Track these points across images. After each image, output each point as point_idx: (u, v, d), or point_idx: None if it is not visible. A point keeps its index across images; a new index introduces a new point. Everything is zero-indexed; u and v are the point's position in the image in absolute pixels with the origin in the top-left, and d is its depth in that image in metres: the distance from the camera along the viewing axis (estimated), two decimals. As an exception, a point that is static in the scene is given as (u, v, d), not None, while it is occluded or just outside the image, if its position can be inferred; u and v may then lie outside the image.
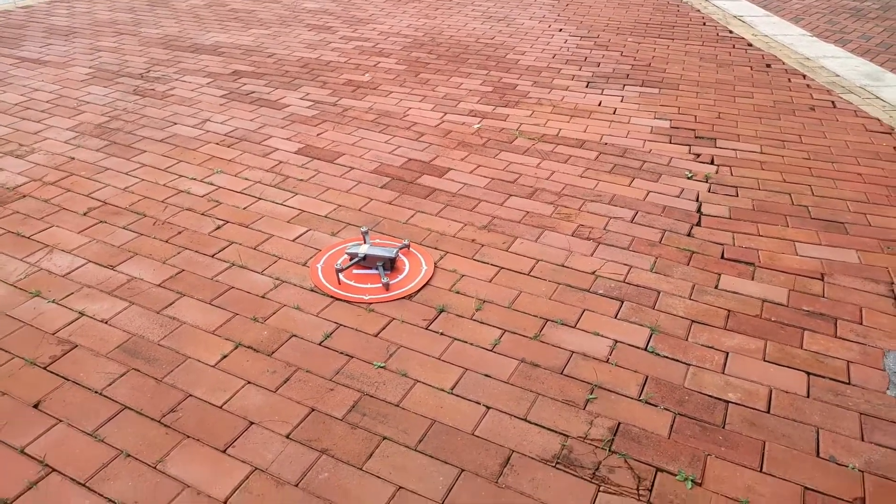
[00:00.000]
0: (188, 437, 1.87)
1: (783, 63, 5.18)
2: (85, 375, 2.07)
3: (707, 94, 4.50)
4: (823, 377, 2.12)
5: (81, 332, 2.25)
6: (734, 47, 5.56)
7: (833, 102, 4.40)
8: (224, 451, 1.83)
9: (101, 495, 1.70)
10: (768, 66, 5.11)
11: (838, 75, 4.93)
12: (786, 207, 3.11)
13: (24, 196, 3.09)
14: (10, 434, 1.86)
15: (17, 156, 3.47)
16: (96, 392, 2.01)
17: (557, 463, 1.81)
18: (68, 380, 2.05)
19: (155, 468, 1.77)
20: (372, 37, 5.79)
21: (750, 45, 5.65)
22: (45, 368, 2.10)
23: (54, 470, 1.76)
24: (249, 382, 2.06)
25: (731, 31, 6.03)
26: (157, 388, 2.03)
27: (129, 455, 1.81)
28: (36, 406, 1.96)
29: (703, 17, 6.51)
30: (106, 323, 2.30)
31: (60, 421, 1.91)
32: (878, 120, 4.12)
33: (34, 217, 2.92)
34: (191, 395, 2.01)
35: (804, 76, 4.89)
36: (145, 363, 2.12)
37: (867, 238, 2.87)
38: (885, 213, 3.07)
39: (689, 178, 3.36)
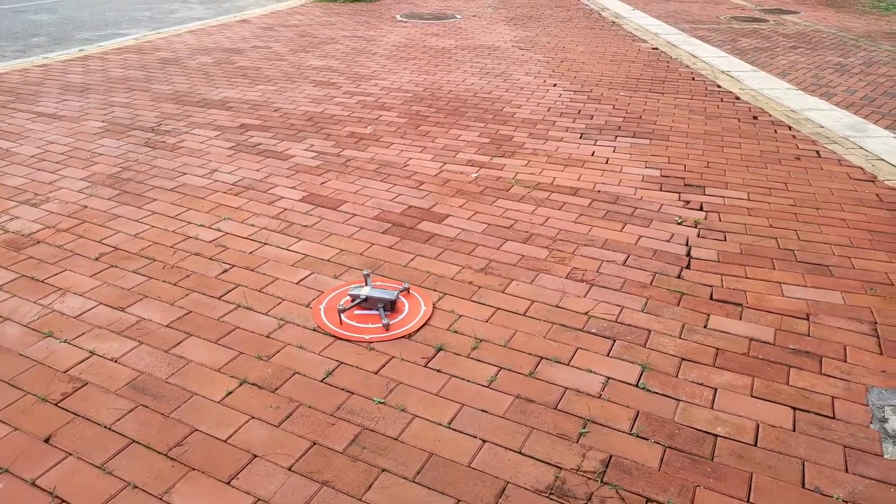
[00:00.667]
0: (194, 469, 1.93)
1: (770, 115, 5.39)
2: (94, 411, 2.15)
3: (696, 145, 4.67)
4: (809, 412, 2.19)
5: (91, 371, 2.33)
6: (722, 100, 5.79)
7: (818, 152, 4.57)
8: (228, 483, 1.89)
9: (109, 525, 1.75)
10: (755, 118, 5.31)
11: (823, 126, 5.12)
12: (772, 251, 3.22)
13: (39, 242, 3.21)
14: (22, 467, 1.93)
15: (33, 204, 3.61)
16: (105, 427, 2.08)
17: (551, 494, 1.87)
18: (78, 415, 2.13)
19: (161, 499, 1.83)
20: (374, 92, 6.03)
21: (738, 98, 5.88)
22: (56, 405, 2.17)
23: (64, 501, 1.82)
24: (253, 417, 2.13)
25: (719, 86, 6.28)
26: (165, 423, 2.10)
27: (136, 486, 1.87)
28: (47, 440, 2.03)
29: (692, 73, 6.78)
30: (115, 362, 2.38)
31: (70, 454, 1.98)
32: (862, 168, 4.28)
33: (48, 262, 3.03)
34: (197, 430, 2.08)
35: (790, 127, 5.09)
36: (153, 399, 2.20)
37: (851, 280, 2.97)
38: (869, 256, 3.18)
39: (678, 224, 3.49)
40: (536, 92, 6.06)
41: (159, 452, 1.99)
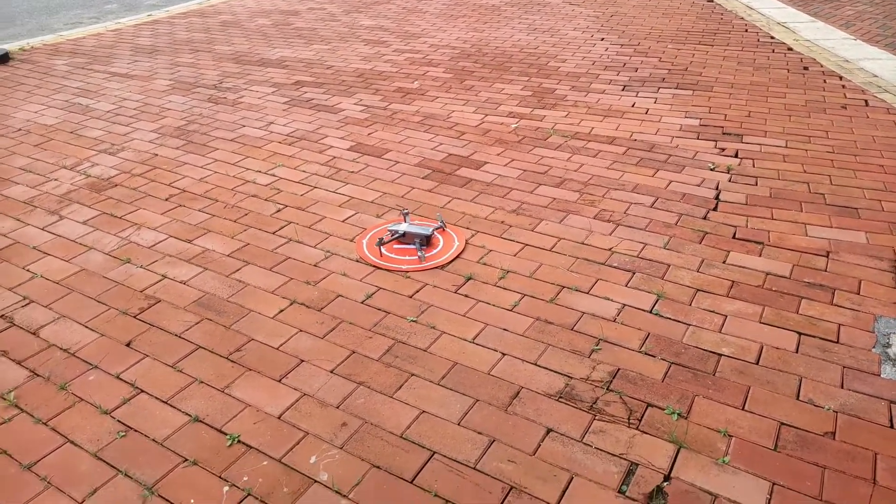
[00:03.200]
0: (250, 370, 2.24)
1: (821, 66, 5.29)
2: (167, 323, 2.48)
3: (740, 95, 4.67)
4: (814, 336, 2.32)
5: (164, 291, 2.67)
6: (773, 51, 5.70)
7: (866, 101, 4.50)
8: (279, 381, 2.18)
9: (180, 410, 2.08)
10: (805, 68, 5.23)
11: (876, 76, 5.01)
12: (802, 195, 3.28)
13: (117, 185, 3.58)
14: (109, 364, 2.28)
15: (110, 153, 4.00)
16: (176, 335, 2.41)
17: (560, 397, 2.09)
18: (154, 326, 2.47)
19: (223, 391, 2.14)
20: (423, 49, 6.20)
21: (790, 49, 5.77)
22: (134, 317, 2.52)
23: (143, 391, 2.16)
24: (301, 330, 2.42)
25: (772, 37, 6.15)
26: (225, 334, 2.41)
27: (202, 381, 2.19)
28: (128, 345, 2.37)
29: (745, 24, 6.64)
30: (184, 284, 2.71)
31: (147, 356, 2.31)
32: (911, 116, 4.21)
33: (125, 202, 3.40)
34: (253, 339, 2.38)
35: (841, 77, 5.00)
36: (216, 314, 2.52)
37: (878, 221, 3.02)
38: (902, 200, 3.21)
39: (711, 170, 3.57)
40: (583, 47, 6.10)
41: (221, 356, 2.30)
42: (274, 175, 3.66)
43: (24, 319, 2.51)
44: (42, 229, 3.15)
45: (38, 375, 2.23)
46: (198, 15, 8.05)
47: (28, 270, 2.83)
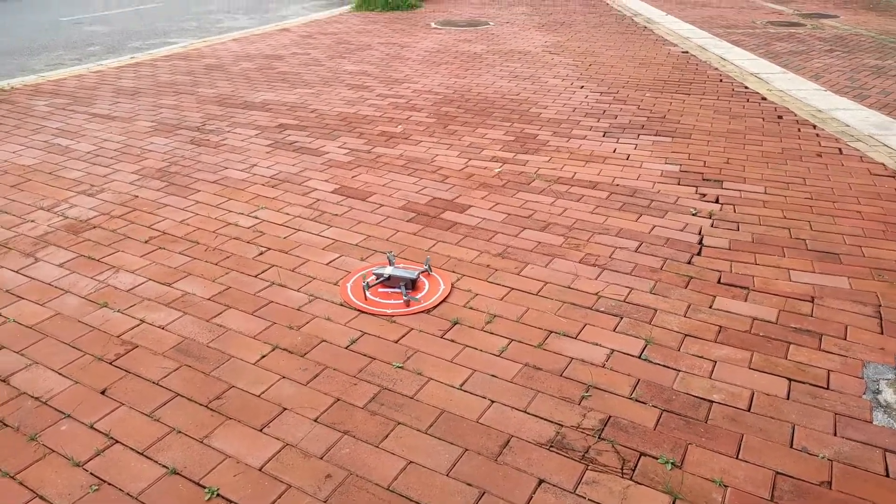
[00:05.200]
0: (230, 418, 2.15)
1: (795, 115, 5.44)
2: (144, 369, 2.39)
3: (718, 143, 4.77)
4: (804, 383, 2.31)
5: (142, 336, 2.59)
6: (748, 101, 5.86)
7: (840, 149, 4.62)
8: (261, 430, 2.10)
9: (156, 462, 1.98)
10: (780, 117, 5.38)
11: (848, 125, 5.16)
12: (784, 240, 3.32)
13: (95, 227, 3.51)
14: (82, 413, 2.18)
15: (89, 194, 3.93)
16: (153, 382, 2.33)
17: (551, 446, 2.03)
18: (130, 372, 2.38)
19: (201, 442, 2.06)
20: (406, 94, 6.27)
21: (764, 98, 5.94)
22: (110, 363, 2.43)
23: (118, 441, 2.06)
24: (284, 377, 2.35)
25: (746, 87, 6.34)
26: (205, 380, 2.33)
27: (179, 431, 2.10)
28: (103, 392, 2.28)
29: (720, 75, 6.84)
30: (163, 328, 2.63)
31: (123, 404, 2.22)
32: (883, 165, 4.32)
33: (103, 244, 3.32)
34: (233, 386, 2.30)
35: (814, 126, 5.14)
36: (195, 360, 2.44)
37: (860, 267, 3.06)
38: (881, 245, 3.26)
39: (693, 215, 3.61)
40: (563, 94, 6.22)
41: (200, 404, 2.22)
42: (257, 217, 3.62)
43: (-7, 366, 2.41)
44: (17, 272, 3.06)
45: (6, 425, 2.13)
46: (181, 58, 8.09)
47: (0, 315, 2.73)
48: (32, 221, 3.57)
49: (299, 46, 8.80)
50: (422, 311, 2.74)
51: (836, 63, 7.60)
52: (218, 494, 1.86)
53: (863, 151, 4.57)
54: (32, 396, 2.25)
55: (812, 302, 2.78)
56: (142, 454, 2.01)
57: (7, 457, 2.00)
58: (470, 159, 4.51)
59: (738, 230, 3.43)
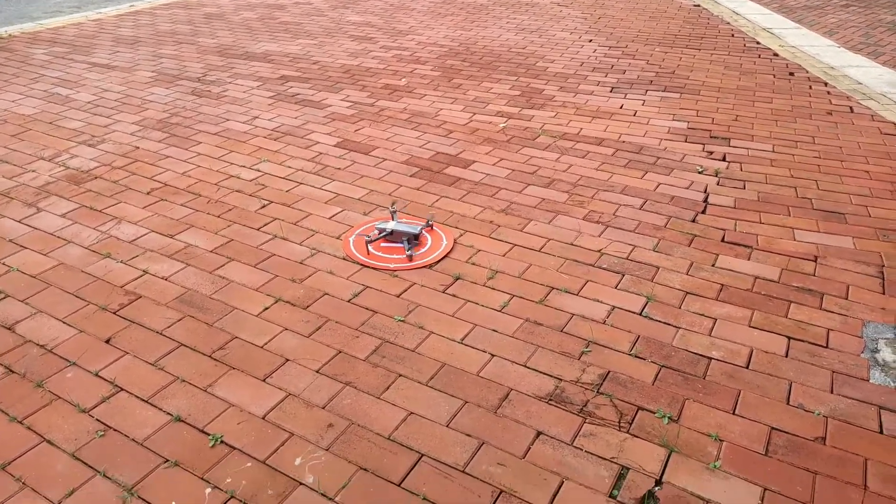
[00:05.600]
0: (234, 368, 2.18)
1: (807, 72, 5.33)
2: (148, 319, 2.41)
3: (727, 99, 4.69)
4: (803, 341, 2.32)
5: (145, 287, 2.60)
6: (759, 57, 5.73)
7: (851, 108, 4.54)
8: (263, 380, 2.13)
9: (161, 409, 2.02)
10: (791, 74, 5.27)
11: (860, 83, 5.06)
12: (790, 199, 3.29)
13: (96, 178, 3.49)
14: (87, 361, 2.21)
15: (90, 145, 3.90)
16: (157, 332, 2.35)
17: (550, 400, 2.06)
18: (134, 322, 2.40)
19: (205, 391, 2.09)
20: (410, 46, 6.15)
21: (776, 54, 5.81)
22: (114, 313, 2.45)
23: (122, 389, 2.09)
24: (286, 329, 2.37)
25: (758, 42, 6.20)
26: (209, 331, 2.35)
27: (183, 380, 2.13)
28: (107, 341, 2.30)
29: (731, 29, 6.69)
30: (166, 280, 2.64)
31: (127, 353, 2.25)
32: (894, 123, 4.25)
33: (105, 195, 3.31)
34: (236, 337, 2.32)
35: (826, 84, 5.04)
36: (198, 311, 2.46)
37: (865, 227, 3.04)
38: (887, 205, 3.23)
39: (699, 173, 3.57)
40: (571, 47, 6.09)
41: (203, 354, 2.24)
42: (259, 170, 3.59)
43: (-2, 314, 2.43)
44: (19, 221, 3.06)
45: (13, 372, 2.16)
46: (181, 6, 7.92)
47: (4, 264, 2.74)
48: (34, 171, 3.55)
49: (302, -4, 8.60)
50: (424, 266, 2.74)
51: (851, 19, 7.41)
52: (222, 441, 1.90)
53: (874, 110, 4.49)
54: (38, 344, 2.28)
55: (815, 261, 2.78)
56: (147, 402, 2.04)
57: (14, 403, 2.03)
58: (474, 114, 4.45)
59: (744, 189, 3.40)
